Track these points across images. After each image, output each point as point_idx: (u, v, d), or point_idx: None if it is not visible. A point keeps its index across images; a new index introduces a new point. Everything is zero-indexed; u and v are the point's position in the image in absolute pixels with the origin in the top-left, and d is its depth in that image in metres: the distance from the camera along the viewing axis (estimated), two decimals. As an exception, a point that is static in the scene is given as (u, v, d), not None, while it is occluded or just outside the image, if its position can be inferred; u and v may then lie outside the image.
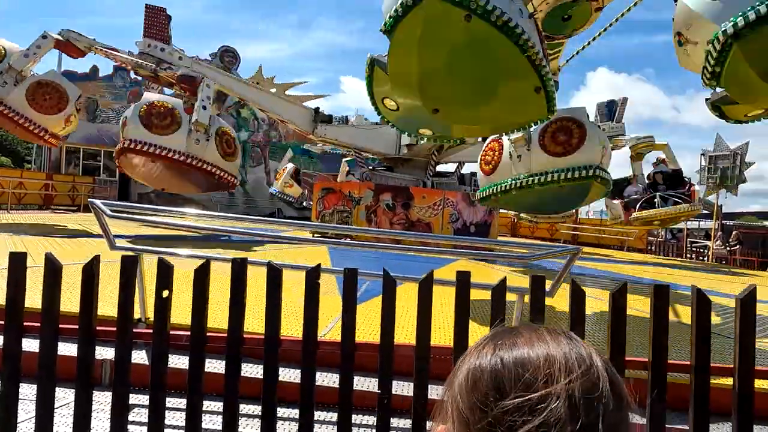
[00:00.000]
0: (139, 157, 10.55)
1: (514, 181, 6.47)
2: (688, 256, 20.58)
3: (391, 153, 14.89)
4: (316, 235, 11.71)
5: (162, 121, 10.42)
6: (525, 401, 0.50)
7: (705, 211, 26.85)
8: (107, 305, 3.31)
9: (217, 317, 3.33)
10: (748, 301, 2.15)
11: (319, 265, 2.23)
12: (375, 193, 13.79)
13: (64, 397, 2.92)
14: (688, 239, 22.71)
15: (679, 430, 2.48)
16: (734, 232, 20.48)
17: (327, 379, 3.22)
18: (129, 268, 2.16)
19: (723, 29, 3.81)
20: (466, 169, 17.27)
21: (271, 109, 14.49)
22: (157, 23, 12.73)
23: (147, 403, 2.37)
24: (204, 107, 10.67)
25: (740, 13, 3.69)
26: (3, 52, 10.47)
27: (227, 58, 28.23)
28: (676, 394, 2.34)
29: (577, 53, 9.02)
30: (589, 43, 8.75)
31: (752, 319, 2.15)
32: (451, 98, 4.52)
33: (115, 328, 2.28)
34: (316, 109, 14.91)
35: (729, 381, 2.19)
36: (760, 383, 2.18)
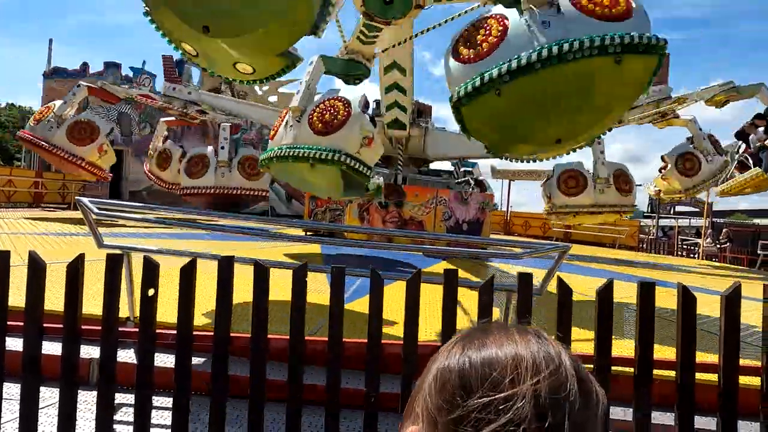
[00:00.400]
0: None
1: (277, 150, 6.03)
2: (679, 253, 20.74)
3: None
4: (308, 233, 11.70)
5: (196, 168, 13.84)
6: (491, 401, 0.50)
7: (695, 209, 27.05)
8: (96, 304, 3.29)
9: (208, 316, 3.32)
10: (733, 298, 2.17)
11: (306, 263, 2.23)
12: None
13: (51, 397, 2.89)
14: (679, 237, 22.89)
15: (665, 425, 2.50)
16: (724, 230, 20.67)
17: (314, 377, 3.22)
18: (114, 266, 2.14)
19: (450, 96, 4.06)
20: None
21: (270, 121, 14.56)
22: (169, 68, 15.29)
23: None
24: (222, 147, 13.89)
25: (463, 84, 3.89)
26: (53, 107, 13.84)
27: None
28: (663, 390, 2.36)
29: (399, 44, 8.55)
30: (411, 38, 8.53)
31: (737, 316, 2.17)
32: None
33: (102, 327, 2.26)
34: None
35: (714, 377, 2.21)
36: (744, 379, 2.20)
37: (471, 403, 0.51)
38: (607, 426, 0.56)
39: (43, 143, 13.19)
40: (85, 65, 24.86)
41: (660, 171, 15.13)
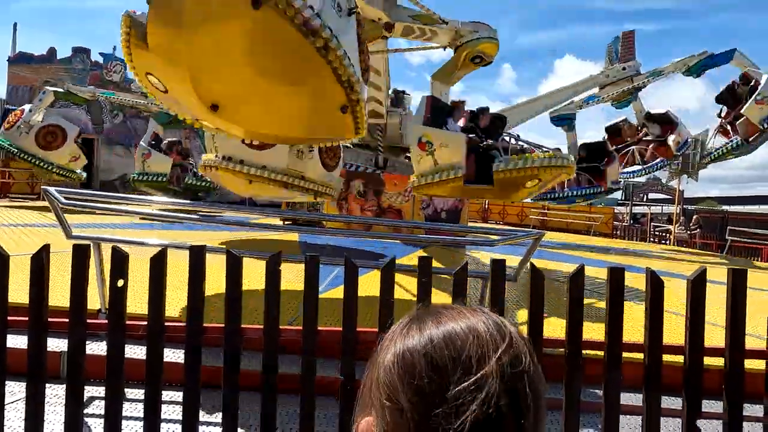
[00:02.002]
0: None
1: None
2: (651, 239, 21.24)
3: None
4: (286, 222, 11.61)
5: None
6: (471, 383, 0.51)
7: (667, 196, 27.67)
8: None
9: (180, 306, 3.27)
10: (698, 282, 2.23)
11: (279, 252, 2.21)
12: (346, 180, 13.73)
13: (21, 392, 2.83)
14: (652, 223, 23.43)
15: (634, 405, 2.57)
16: (695, 217, 21.24)
17: (289, 366, 3.22)
18: (81, 257, 2.09)
19: None
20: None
21: None
22: None
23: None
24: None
25: None
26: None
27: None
28: (631, 371, 2.42)
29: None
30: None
31: (702, 300, 2.23)
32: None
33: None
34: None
35: (680, 358, 2.28)
36: (709, 360, 2.27)
37: (446, 385, 0.51)
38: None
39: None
40: (52, 50, 24.03)
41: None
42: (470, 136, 7.61)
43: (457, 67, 8.88)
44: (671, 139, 13.90)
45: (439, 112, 7.93)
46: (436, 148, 7.43)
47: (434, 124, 7.69)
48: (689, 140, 14.46)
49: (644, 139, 14.95)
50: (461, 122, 8.04)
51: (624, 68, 13.88)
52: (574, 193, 12.89)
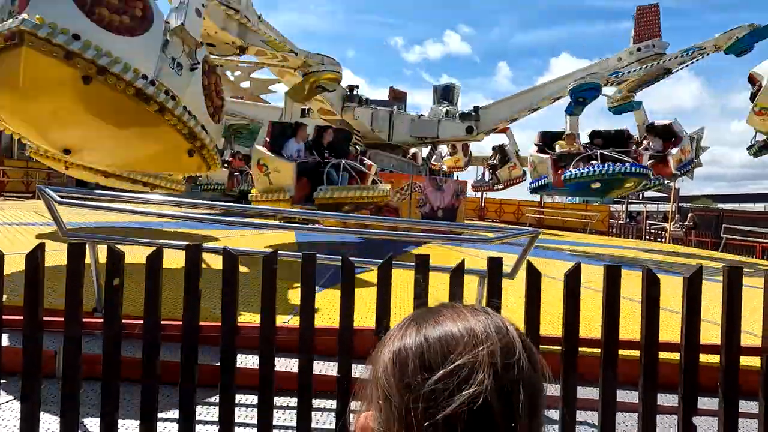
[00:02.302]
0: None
1: None
2: (647, 237, 21.32)
3: (384, 139, 14.75)
4: (283, 221, 11.58)
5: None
6: (452, 370, 0.52)
7: (662, 194, 27.76)
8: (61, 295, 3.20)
9: (179, 305, 3.26)
10: (694, 279, 2.24)
11: (276, 251, 2.20)
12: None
13: (16, 390, 2.82)
14: (647, 221, 23.52)
15: (630, 403, 2.58)
16: (690, 215, 21.33)
17: (289, 365, 3.21)
18: (76, 256, 2.08)
19: None
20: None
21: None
22: None
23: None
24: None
25: None
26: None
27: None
28: (627, 369, 2.42)
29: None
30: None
31: (698, 297, 2.24)
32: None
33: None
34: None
35: (676, 356, 2.28)
36: (704, 357, 2.28)
37: (433, 380, 0.53)
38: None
39: None
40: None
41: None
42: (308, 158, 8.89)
43: (305, 90, 10.39)
44: (672, 155, 12.12)
45: (280, 135, 9.04)
46: (270, 171, 8.68)
47: (275, 145, 8.85)
48: (693, 159, 12.84)
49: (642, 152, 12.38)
50: (301, 141, 9.12)
51: (639, 48, 11.97)
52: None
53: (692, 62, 11.89)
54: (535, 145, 12.77)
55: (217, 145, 6.27)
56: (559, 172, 10.99)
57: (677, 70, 12.39)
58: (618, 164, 9.98)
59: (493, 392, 0.51)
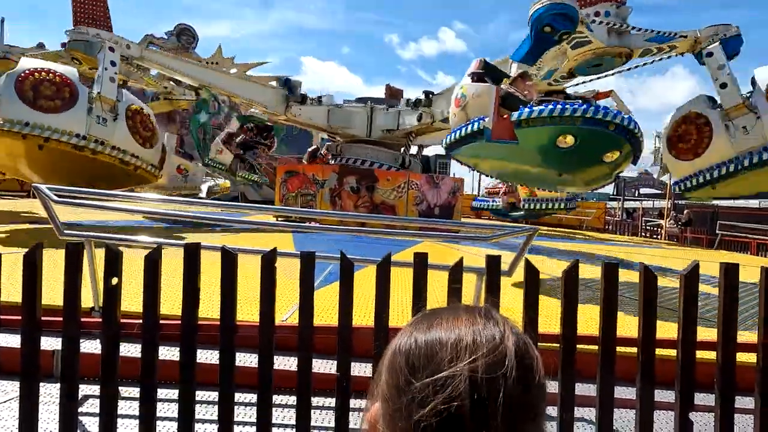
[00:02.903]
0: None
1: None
2: (643, 234, 21.41)
3: (362, 135, 14.77)
4: (280, 219, 11.56)
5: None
6: (433, 380, 0.54)
7: (658, 191, 27.82)
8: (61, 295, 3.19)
9: (175, 303, 3.26)
10: (691, 276, 2.25)
11: (275, 248, 2.20)
12: (339, 176, 13.70)
13: (14, 391, 2.81)
14: (643, 218, 23.61)
15: (627, 399, 2.60)
16: (686, 211, 21.41)
17: (288, 363, 3.21)
18: (74, 255, 2.07)
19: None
20: (430, 151, 17.39)
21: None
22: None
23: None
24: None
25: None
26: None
27: (185, 37, 27.23)
28: (624, 365, 2.44)
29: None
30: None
31: (695, 294, 2.26)
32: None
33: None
34: (290, 87, 14.78)
35: (673, 352, 2.30)
36: (701, 354, 2.30)
37: (415, 384, 0.55)
38: (544, 398, 0.59)
39: None
40: (41, 45, 23.69)
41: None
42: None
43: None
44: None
45: None
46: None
47: None
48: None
49: None
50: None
51: (598, 12, 8.55)
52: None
53: (660, 55, 9.29)
54: (471, 74, 7.77)
55: (153, 164, 9.91)
56: (505, 117, 6.68)
57: (637, 66, 9.92)
58: (593, 107, 6.42)
59: (467, 404, 0.52)
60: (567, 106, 6.22)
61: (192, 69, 13.79)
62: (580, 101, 6.61)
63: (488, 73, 7.56)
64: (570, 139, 6.20)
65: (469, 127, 6.67)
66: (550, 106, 6.22)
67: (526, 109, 6.27)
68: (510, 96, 6.79)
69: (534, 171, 7.40)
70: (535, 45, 7.47)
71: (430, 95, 13.84)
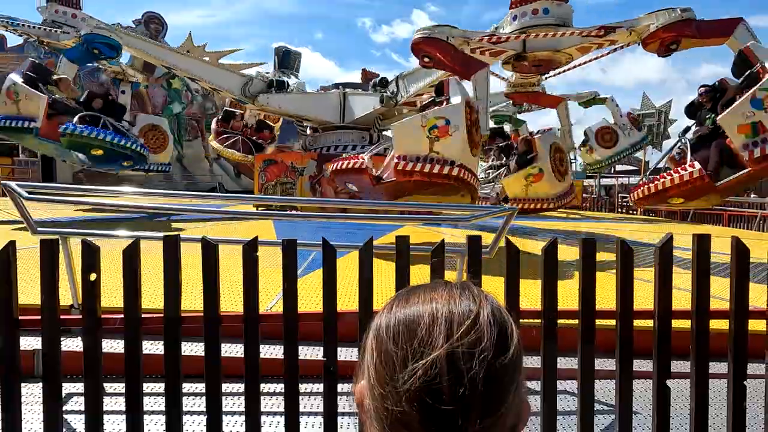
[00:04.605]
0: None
1: None
2: (620, 210, 21.80)
3: (334, 121, 14.64)
4: (260, 208, 11.46)
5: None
6: (412, 352, 0.55)
7: (635, 167, 28.31)
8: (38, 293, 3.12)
9: (158, 297, 3.23)
10: (665, 249, 2.31)
11: (256, 237, 2.19)
12: (318, 163, 13.60)
13: None
14: (619, 195, 24.03)
15: (607, 370, 2.68)
16: (660, 186, 21.81)
17: (274, 351, 3.22)
18: (49, 252, 2.03)
19: None
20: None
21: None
22: None
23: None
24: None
25: None
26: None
27: (153, 25, 26.51)
28: (603, 337, 2.50)
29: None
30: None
31: (669, 265, 2.32)
32: None
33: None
34: (288, 60, 14.57)
35: (650, 323, 2.37)
36: (678, 323, 2.37)
37: (396, 357, 0.56)
38: (521, 370, 0.59)
39: None
40: (1, 39, 22.82)
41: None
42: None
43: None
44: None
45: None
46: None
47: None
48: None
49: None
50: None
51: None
52: None
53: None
54: (23, 74, 10.60)
55: None
56: (53, 120, 10.04)
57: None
58: (122, 137, 10.23)
59: (445, 375, 0.52)
60: (100, 133, 9.85)
61: (163, 53, 13.64)
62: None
63: (38, 73, 10.76)
64: (99, 151, 10.09)
65: (23, 123, 10.16)
66: (89, 129, 9.75)
67: (74, 126, 9.64)
68: (59, 103, 10.30)
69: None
70: (83, 58, 11.29)
71: (397, 79, 13.89)
